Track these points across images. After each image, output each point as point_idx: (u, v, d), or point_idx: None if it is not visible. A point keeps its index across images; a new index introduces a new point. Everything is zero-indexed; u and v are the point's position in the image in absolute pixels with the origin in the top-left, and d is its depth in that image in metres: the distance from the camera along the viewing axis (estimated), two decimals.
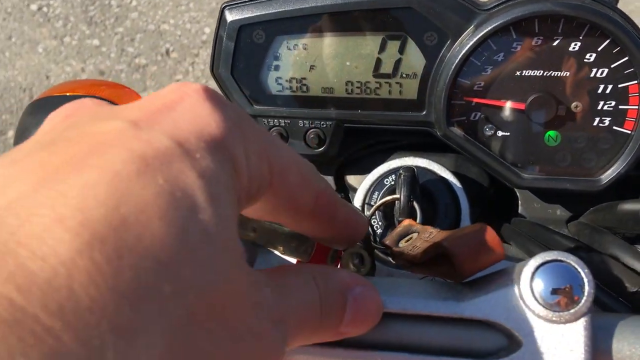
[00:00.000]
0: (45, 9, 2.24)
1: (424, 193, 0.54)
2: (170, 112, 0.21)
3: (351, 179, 0.63)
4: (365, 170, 0.59)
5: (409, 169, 0.51)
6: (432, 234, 0.39)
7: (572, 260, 0.33)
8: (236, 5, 0.54)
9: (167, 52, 2.17)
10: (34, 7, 2.23)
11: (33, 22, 2.20)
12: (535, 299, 0.33)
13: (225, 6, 0.54)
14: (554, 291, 0.33)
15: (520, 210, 0.58)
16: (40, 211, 0.16)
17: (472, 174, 0.59)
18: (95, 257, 0.16)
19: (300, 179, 0.26)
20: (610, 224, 0.50)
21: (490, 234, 0.35)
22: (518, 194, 0.59)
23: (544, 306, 0.33)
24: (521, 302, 0.33)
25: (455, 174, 0.57)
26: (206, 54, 2.10)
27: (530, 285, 0.33)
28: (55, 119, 0.24)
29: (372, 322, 0.29)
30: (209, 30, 2.16)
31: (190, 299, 0.18)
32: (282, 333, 0.23)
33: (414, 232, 0.41)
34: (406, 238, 0.42)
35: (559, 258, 0.34)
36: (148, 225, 0.17)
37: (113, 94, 0.65)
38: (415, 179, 0.51)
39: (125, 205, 0.17)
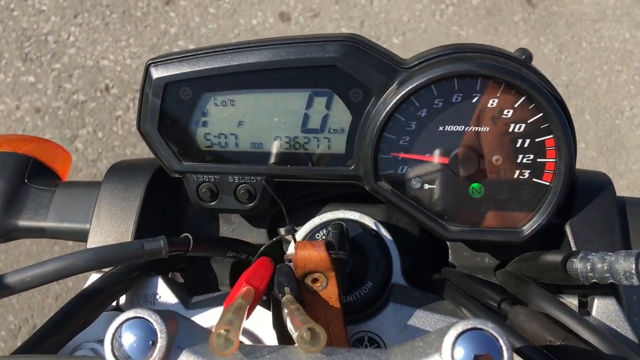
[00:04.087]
0: None
1: (355, 247, 0.54)
2: None
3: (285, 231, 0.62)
4: (299, 222, 0.59)
5: (338, 226, 0.51)
6: None
7: (490, 328, 0.34)
8: (162, 62, 0.53)
9: (107, 87, 2.12)
10: None
11: None
12: None
13: (151, 63, 0.53)
14: (476, 358, 0.34)
15: (450, 258, 0.59)
16: None
17: (403, 224, 0.59)
18: None
19: None
20: (534, 273, 0.51)
21: None
22: (448, 243, 0.60)
23: None
24: None
25: (387, 224, 0.57)
26: None
27: (451, 354, 0.33)
28: None
29: None
30: None
31: None
32: None
33: None
34: None
35: (479, 326, 0.34)
36: None
37: (37, 149, 0.62)
38: (344, 236, 0.51)
39: None
